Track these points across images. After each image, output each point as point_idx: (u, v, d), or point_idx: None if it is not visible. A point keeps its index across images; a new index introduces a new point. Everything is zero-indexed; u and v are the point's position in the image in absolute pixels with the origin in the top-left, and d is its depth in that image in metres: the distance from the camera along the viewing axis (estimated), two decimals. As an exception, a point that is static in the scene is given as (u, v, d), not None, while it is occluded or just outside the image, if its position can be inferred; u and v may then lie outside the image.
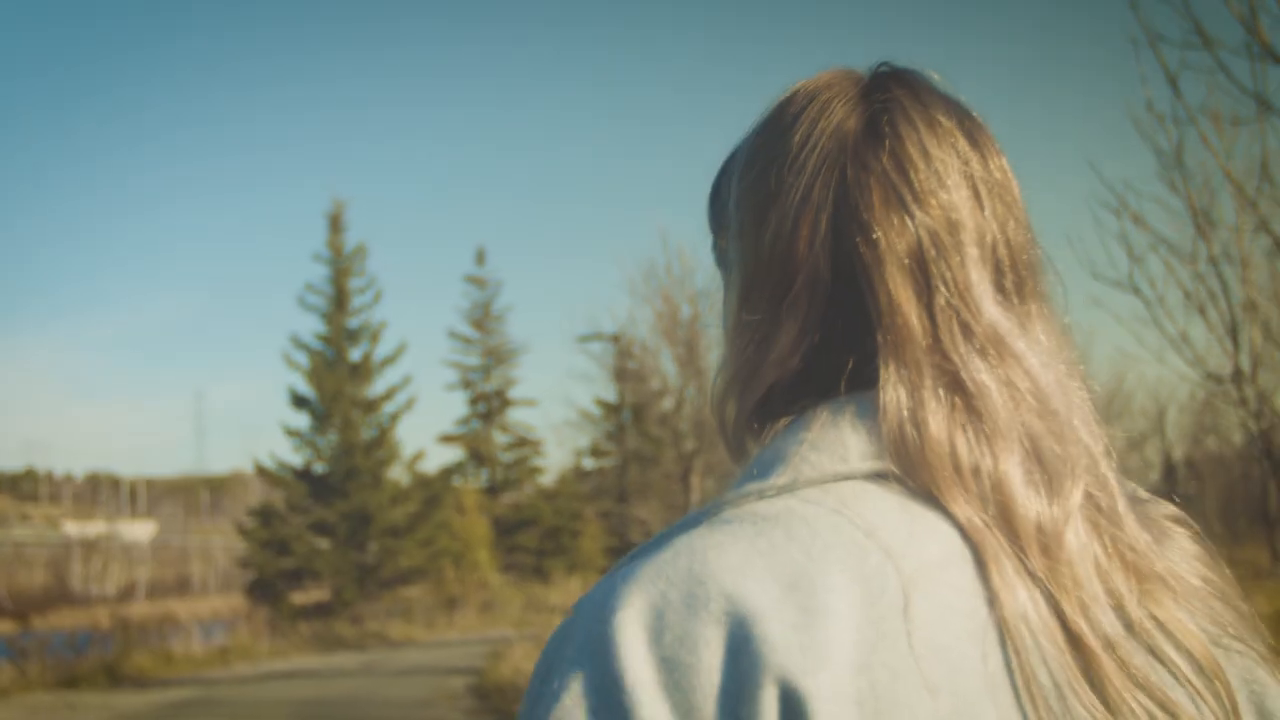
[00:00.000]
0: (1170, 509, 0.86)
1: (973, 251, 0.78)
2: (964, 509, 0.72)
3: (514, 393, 38.73)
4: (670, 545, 0.71)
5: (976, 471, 0.74)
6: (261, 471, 30.11)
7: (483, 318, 37.78)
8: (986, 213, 0.80)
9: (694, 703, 0.65)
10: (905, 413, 0.74)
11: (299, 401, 30.11)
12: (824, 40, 57.55)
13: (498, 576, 31.90)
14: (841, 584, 0.67)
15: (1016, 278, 0.81)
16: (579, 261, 62.88)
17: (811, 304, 0.80)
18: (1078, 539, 0.74)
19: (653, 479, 27.30)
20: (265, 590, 28.56)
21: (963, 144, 0.81)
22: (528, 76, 56.94)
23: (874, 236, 0.77)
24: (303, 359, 30.04)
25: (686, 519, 0.75)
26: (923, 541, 0.71)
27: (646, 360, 20.21)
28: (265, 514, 29.90)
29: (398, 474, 31.13)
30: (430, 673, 18.12)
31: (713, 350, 19.75)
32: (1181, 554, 0.82)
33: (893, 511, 0.72)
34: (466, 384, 37.72)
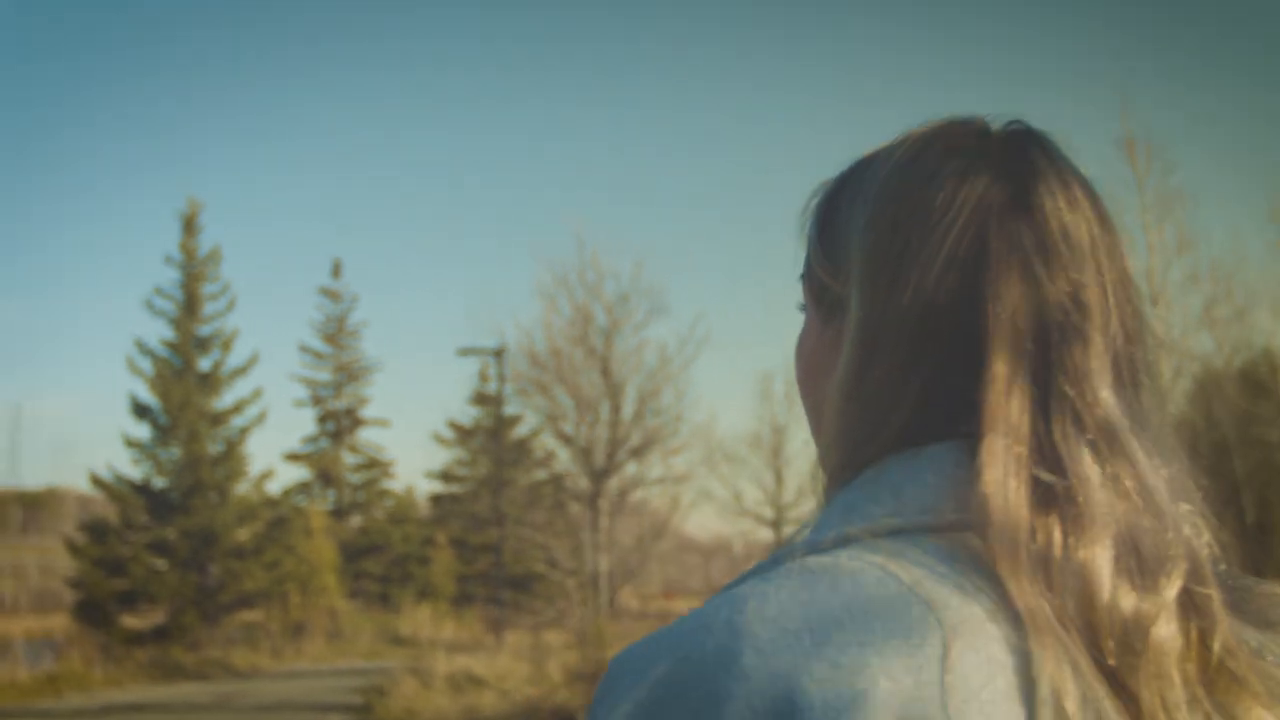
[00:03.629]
0: (1275, 588, 0.83)
1: (1096, 338, 0.78)
2: (1027, 593, 0.71)
3: (366, 411, 37.26)
4: (728, 594, 0.73)
5: (1050, 557, 0.72)
6: (97, 484, 28.12)
7: (336, 332, 36.49)
8: (1110, 300, 0.80)
9: None
10: (995, 486, 0.73)
11: (141, 411, 28.43)
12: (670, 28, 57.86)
13: (345, 603, 30.56)
14: (880, 637, 0.67)
15: (1132, 370, 0.80)
16: (448, 277, 61.15)
17: (936, 369, 0.80)
18: (1167, 632, 0.72)
19: (515, 500, 26.37)
20: (94, 613, 26.55)
21: (1095, 226, 0.81)
22: (395, 77, 55.28)
23: (1004, 309, 0.77)
24: (147, 366, 28.45)
25: (752, 569, 0.77)
26: (968, 594, 0.70)
27: (558, 371, 18.60)
28: (98, 530, 27.94)
29: (245, 491, 29.57)
30: (300, 709, 17.05)
31: (637, 370, 19.13)
32: (1258, 645, 0.78)
33: (941, 565, 0.72)
34: (316, 400, 36.27)
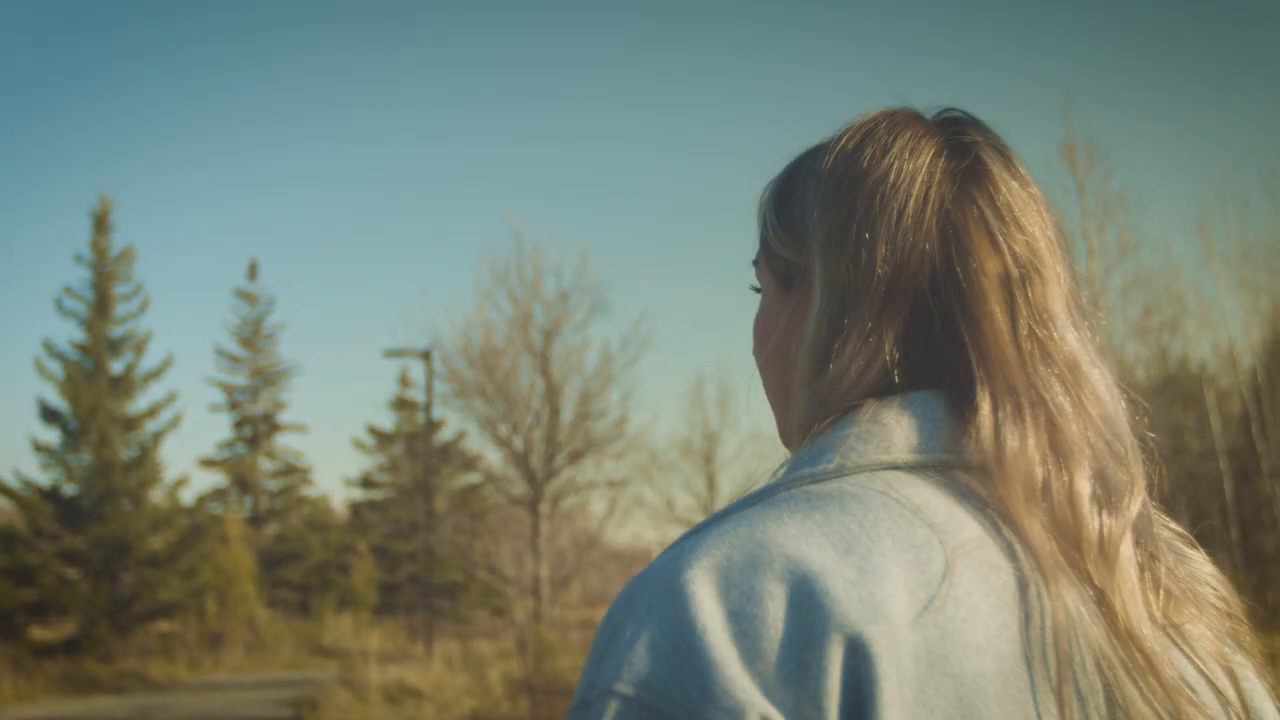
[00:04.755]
0: (1182, 531, 0.94)
1: (1054, 284, 0.88)
2: (1035, 525, 0.80)
3: (284, 416, 36.48)
4: (729, 519, 0.78)
5: (1048, 487, 0.82)
6: (3, 491, 26.91)
7: (252, 335, 35.60)
8: (1057, 251, 0.90)
9: (761, 649, 0.70)
10: (994, 427, 0.82)
11: (49, 415, 27.36)
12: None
13: (264, 613, 29.80)
14: (893, 550, 0.74)
15: (1080, 312, 0.91)
16: (369, 280, 59.79)
17: (905, 319, 0.88)
18: (1128, 551, 0.82)
19: (435, 509, 25.87)
20: (2, 624, 25.47)
21: (1032, 188, 0.92)
22: (315, 71, 54.08)
23: (974, 263, 0.86)
24: (56, 368, 27.38)
25: (741, 500, 0.81)
26: (961, 522, 0.79)
27: (495, 371, 17.96)
28: (5, 538, 26.75)
29: (159, 498, 28.66)
30: (228, 723, 16.47)
31: (593, 362, 18.55)
32: (1199, 573, 0.91)
33: (933, 496, 0.80)
34: (232, 405, 35.37)
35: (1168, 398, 19.74)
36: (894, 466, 0.82)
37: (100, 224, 28.55)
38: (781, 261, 0.98)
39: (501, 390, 17.56)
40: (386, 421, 37.61)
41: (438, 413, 24.71)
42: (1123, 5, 39.11)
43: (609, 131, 55.10)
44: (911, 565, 0.74)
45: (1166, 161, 36.61)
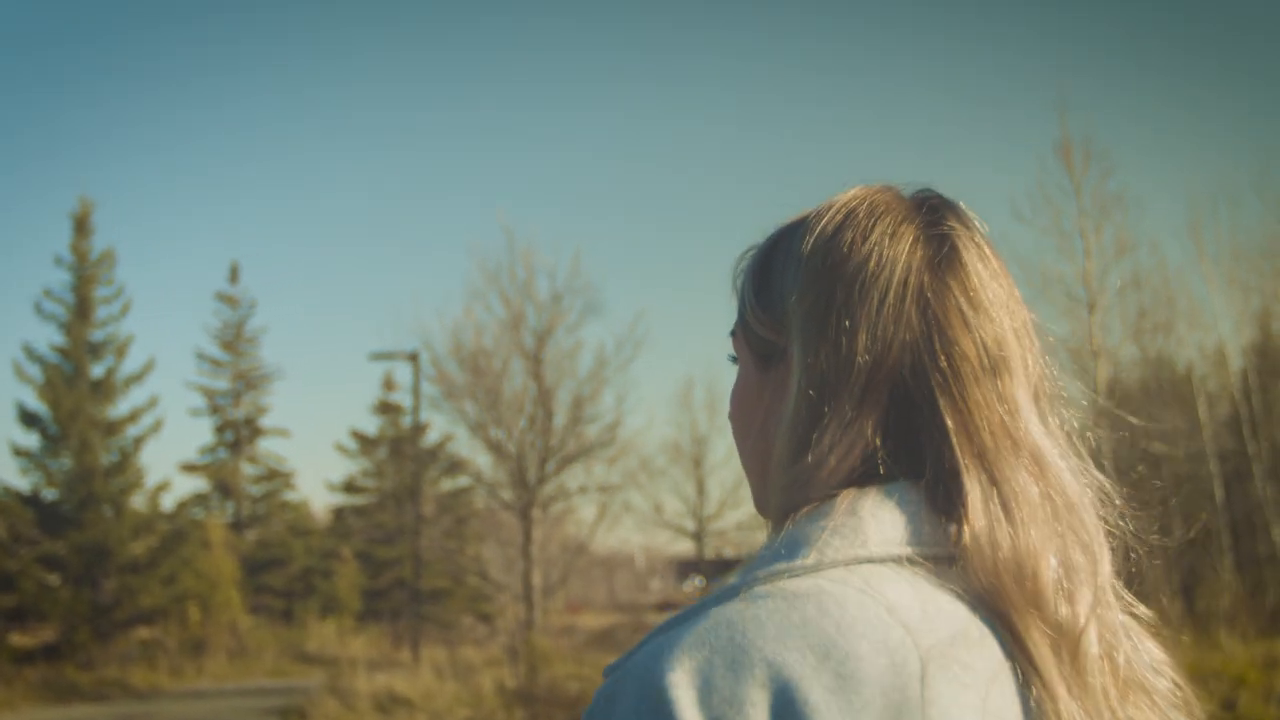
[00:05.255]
0: (1140, 610, 0.95)
1: (1019, 374, 0.90)
2: (1034, 630, 0.82)
3: (266, 421, 36.04)
4: (708, 615, 0.79)
5: (1046, 586, 0.84)
6: (-20, 495, 26.64)
7: (234, 339, 35.19)
8: (1024, 341, 0.92)
9: None
10: (984, 516, 0.84)
11: (29, 419, 27.01)
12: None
13: (247, 619, 29.45)
14: (869, 654, 0.76)
15: (1045, 399, 0.93)
16: (352, 283, 59.12)
17: (885, 408, 0.88)
18: (1093, 646, 0.84)
19: (407, 516, 25.51)
20: (-22, 631, 25.16)
21: (1004, 279, 0.93)
22: (298, 71, 53.53)
23: (957, 352, 0.88)
24: (36, 372, 27.01)
25: (719, 592, 0.82)
26: (934, 621, 0.80)
27: (486, 373, 17.60)
28: (-17, 544, 26.46)
29: (140, 504, 28.28)
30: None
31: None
32: (1151, 659, 0.92)
33: (907, 593, 0.81)
34: (214, 409, 34.95)
35: (1160, 401, 19.67)
36: (869, 560, 0.83)
37: (81, 226, 28.24)
38: (760, 340, 0.98)
39: (493, 393, 17.27)
40: (370, 426, 37.26)
41: (425, 416, 24.35)
42: (1116, 6, 39.16)
43: (595, 132, 55.00)
44: (887, 669, 0.75)
45: (1158, 162, 36.66)
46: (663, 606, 44.35)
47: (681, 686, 0.74)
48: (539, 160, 55.76)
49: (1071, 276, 17.34)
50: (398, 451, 36.09)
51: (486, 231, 46.07)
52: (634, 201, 58.34)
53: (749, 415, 0.99)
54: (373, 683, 16.95)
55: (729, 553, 29.88)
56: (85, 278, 27.97)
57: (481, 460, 17.88)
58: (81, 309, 27.86)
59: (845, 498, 0.86)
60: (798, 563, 0.81)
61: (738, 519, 27.91)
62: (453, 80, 54.50)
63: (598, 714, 0.77)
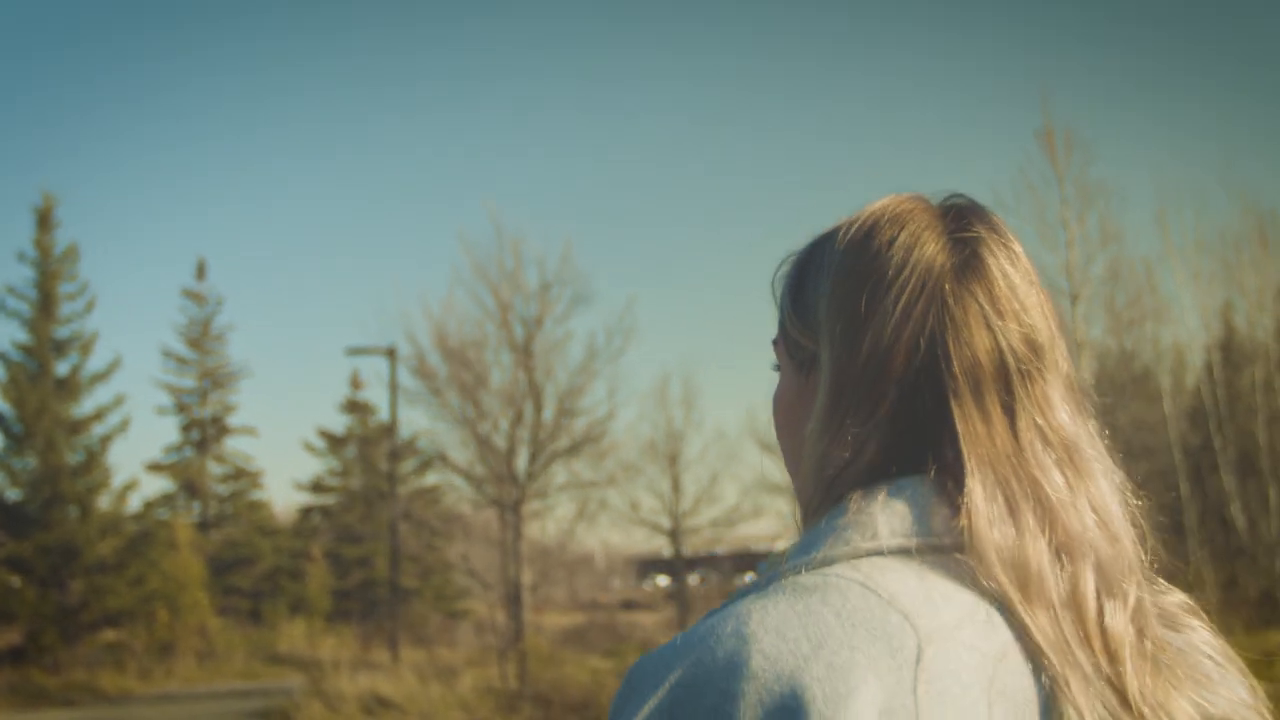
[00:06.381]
0: (1183, 598, 1.00)
1: (1051, 373, 0.93)
2: (1040, 617, 0.85)
3: (233, 419, 35.54)
4: (726, 609, 0.85)
5: (1044, 578, 0.86)
6: (-56, 496, 26.14)
7: (201, 336, 34.69)
8: (1056, 341, 0.95)
9: None
10: (983, 516, 0.87)
11: (-9, 419, 26.52)
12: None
13: (216, 620, 29.08)
14: (865, 641, 0.80)
15: (1077, 397, 0.96)
16: (322, 279, 58.33)
17: (900, 410, 0.92)
18: (1130, 641, 0.87)
19: (383, 515, 25.23)
20: (-58, 635, 24.69)
21: (1035, 280, 0.96)
22: (268, 58, 52.60)
23: (969, 355, 0.90)
24: (-1, 370, 26.53)
25: (742, 589, 0.89)
26: (938, 606, 0.83)
27: (470, 367, 17.23)
28: (-55, 546, 25.97)
29: (106, 504, 27.84)
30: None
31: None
32: (1198, 643, 0.96)
33: (911, 580, 0.85)
34: (180, 408, 34.47)
35: (1133, 394, 19.82)
36: (878, 552, 0.87)
37: (44, 221, 27.77)
38: (797, 347, 1.03)
39: (480, 385, 16.98)
40: (338, 424, 36.90)
41: (402, 413, 24.05)
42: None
43: (577, 128, 54.76)
44: (884, 652, 0.79)
45: (1126, 154, 36.94)
46: (626, 605, 44.26)
47: (676, 683, 0.80)
48: (522, 156, 55.42)
49: (1055, 267, 17.34)
50: (366, 450, 35.78)
51: (468, 224, 45.54)
52: (619, 198, 58.18)
53: (792, 422, 1.04)
54: (356, 685, 16.75)
55: (688, 552, 29.72)
56: (49, 273, 27.53)
57: (462, 455, 17.52)
58: (45, 305, 27.43)
59: (861, 494, 0.91)
60: (811, 557, 0.87)
61: (712, 516, 27.83)
62: (427, 71, 54.09)
63: (618, 699, 0.84)
